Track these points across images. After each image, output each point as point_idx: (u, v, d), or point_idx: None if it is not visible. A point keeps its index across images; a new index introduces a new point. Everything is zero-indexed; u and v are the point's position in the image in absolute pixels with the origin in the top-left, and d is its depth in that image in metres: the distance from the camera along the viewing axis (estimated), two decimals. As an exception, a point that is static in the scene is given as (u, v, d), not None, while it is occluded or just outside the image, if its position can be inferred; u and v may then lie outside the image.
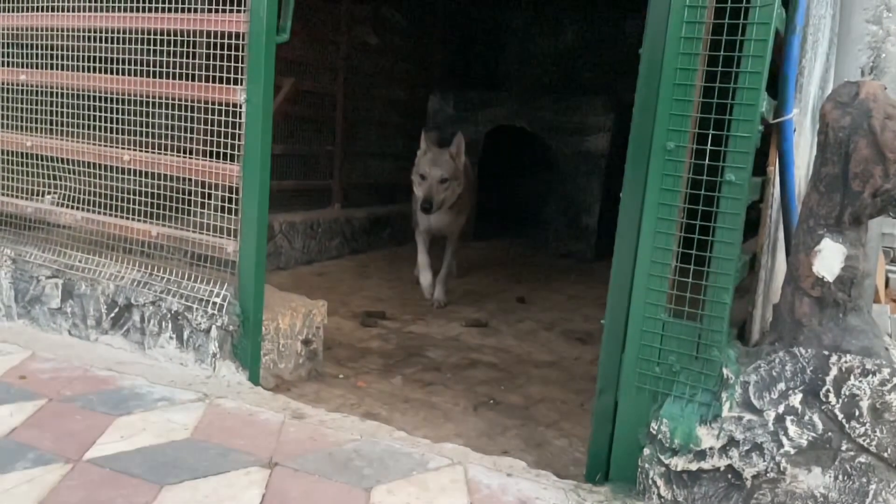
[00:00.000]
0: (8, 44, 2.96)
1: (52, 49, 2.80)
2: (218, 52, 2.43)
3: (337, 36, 5.44)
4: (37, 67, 2.87)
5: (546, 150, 6.09)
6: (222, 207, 2.54)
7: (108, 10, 2.64)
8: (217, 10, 2.41)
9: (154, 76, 2.62)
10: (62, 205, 2.90)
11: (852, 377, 1.66)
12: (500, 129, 6.14)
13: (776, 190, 2.08)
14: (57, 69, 2.80)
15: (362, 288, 4.57)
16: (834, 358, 1.68)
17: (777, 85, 1.95)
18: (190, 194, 2.62)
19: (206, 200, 2.60)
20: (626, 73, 6.68)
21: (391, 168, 6.19)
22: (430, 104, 6.37)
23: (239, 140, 2.46)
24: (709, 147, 1.79)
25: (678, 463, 1.82)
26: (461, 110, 6.24)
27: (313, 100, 5.29)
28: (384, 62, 6.10)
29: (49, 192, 3.01)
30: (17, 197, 3.05)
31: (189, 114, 2.60)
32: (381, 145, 6.20)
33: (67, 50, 2.76)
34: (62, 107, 2.84)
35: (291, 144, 5.03)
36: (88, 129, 2.79)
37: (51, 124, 2.88)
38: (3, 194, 3.08)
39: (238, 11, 2.38)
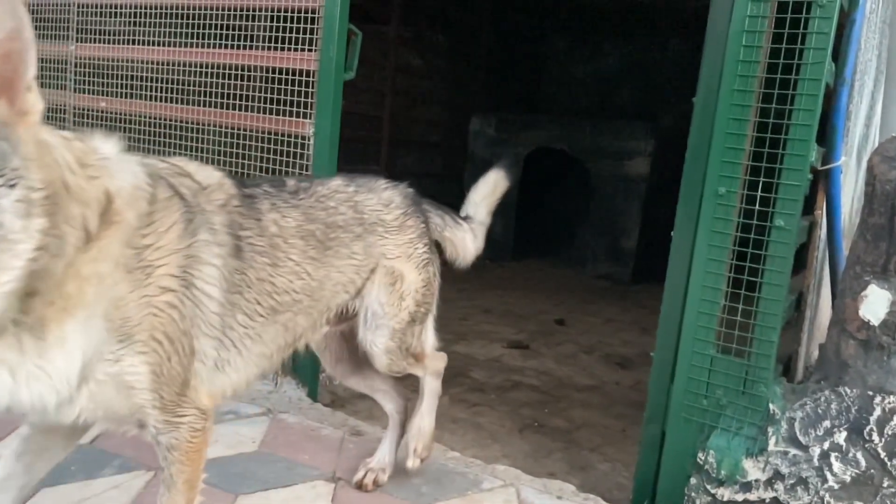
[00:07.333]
0: (91, 73, 3.16)
1: (133, 80, 2.99)
2: (287, 87, 2.59)
3: (384, 59, 5.63)
4: (118, 96, 3.07)
5: (586, 174, 6.18)
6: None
7: (187, 46, 2.82)
8: (290, 49, 2.57)
9: (225, 107, 2.79)
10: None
11: (895, 418, 1.74)
12: (541, 152, 6.25)
13: (823, 232, 2.16)
14: (136, 98, 3.00)
15: (405, 306, 4.68)
16: (878, 398, 1.76)
17: (825, 130, 2.04)
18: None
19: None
20: (668, 98, 6.79)
21: (432, 188, 6.33)
22: (471, 126, 6.49)
23: (307, 170, 2.61)
24: (759, 193, 1.89)
25: (724, 493, 1.91)
26: (502, 132, 6.35)
27: (360, 121, 5.46)
28: (427, 84, 6.27)
29: None
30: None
31: (258, 143, 2.76)
32: (423, 166, 6.35)
33: (150, 81, 2.95)
34: (138, 133, 3.03)
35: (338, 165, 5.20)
36: (162, 154, 2.97)
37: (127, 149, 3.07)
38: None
39: (310, 50, 2.54)
